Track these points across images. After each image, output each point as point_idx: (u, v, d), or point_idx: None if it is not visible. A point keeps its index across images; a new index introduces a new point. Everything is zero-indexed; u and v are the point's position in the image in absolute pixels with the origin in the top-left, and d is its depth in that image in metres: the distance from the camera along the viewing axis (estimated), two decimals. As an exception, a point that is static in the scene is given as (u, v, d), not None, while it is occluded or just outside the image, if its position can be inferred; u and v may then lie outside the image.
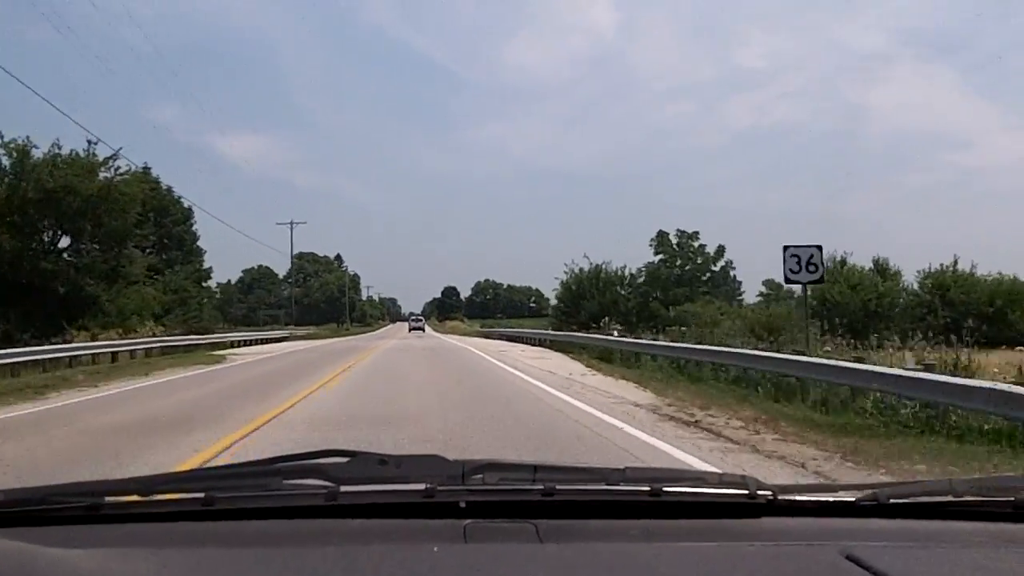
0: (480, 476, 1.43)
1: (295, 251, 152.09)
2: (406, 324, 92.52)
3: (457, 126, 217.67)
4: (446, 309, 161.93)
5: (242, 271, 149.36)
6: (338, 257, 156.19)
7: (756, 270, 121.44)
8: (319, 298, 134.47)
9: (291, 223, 60.43)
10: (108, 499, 1.40)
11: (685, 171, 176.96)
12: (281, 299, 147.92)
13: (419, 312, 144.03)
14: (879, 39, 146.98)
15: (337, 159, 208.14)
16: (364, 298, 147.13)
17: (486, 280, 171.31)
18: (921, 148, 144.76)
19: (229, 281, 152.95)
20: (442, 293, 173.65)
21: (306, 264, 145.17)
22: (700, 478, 1.59)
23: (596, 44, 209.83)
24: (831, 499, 1.50)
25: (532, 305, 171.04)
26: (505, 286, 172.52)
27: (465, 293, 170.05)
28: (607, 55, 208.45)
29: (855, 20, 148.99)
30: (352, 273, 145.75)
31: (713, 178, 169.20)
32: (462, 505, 1.37)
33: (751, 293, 53.01)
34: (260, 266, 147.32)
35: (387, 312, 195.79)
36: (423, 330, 73.17)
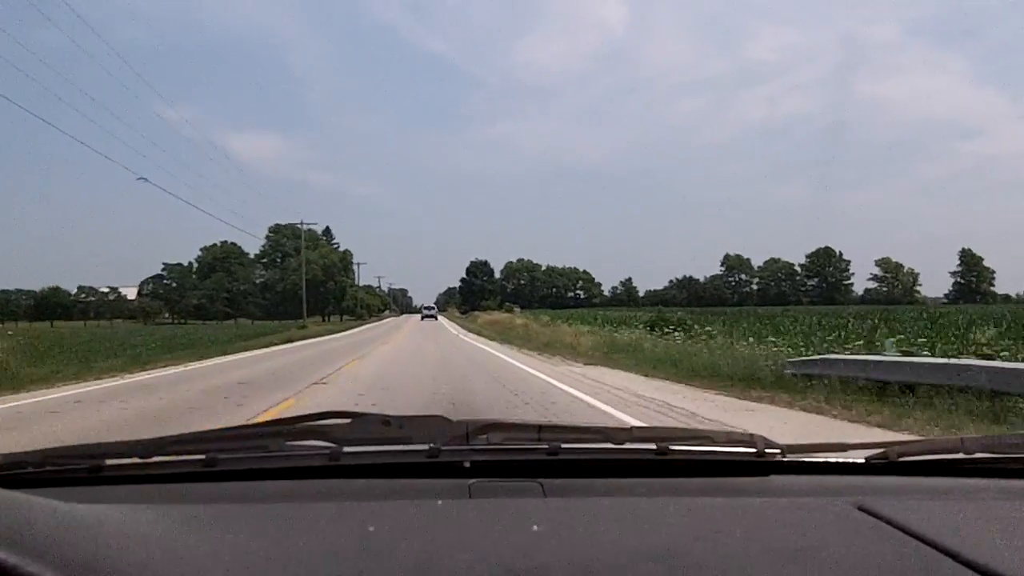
0: (484, 436, 1.41)
1: (272, 224, 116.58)
2: (415, 316, 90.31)
3: (470, 123, 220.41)
4: (474, 294, 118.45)
5: (201, 249, 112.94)
6: (327, 232, 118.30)
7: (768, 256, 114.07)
8: (298, 282, 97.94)
9: None
10: (108, 461, 1.38)
11: (698, 165, 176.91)
12: (251, 286, 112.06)
13: (432, 303, 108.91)
14: (889, 29, 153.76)
15: (349, 158, 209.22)
16: (358, 283, 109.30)
17: (519, 260, 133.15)
18: (933, 137, 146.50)
19: (191, 264, 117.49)
20: (467, 272, 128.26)
21: (284, 240, 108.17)
22: (707, 436, 1.53)
23: (608, 40, 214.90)
24: (841, 458, 1.47)
25: (578, 293, 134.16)
26: (543, 268, 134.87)
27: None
28: (619, 51, 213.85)
29: (865, 10, 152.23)
30: (342, 250, 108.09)
31: (726, 172, 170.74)
32: (466, 465, 1.35)
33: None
34: (224, 243, 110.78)
35: (395, 303, 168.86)
36: (435, 318, 73.82)
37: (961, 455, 1.42)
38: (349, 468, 1.35)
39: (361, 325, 64.58)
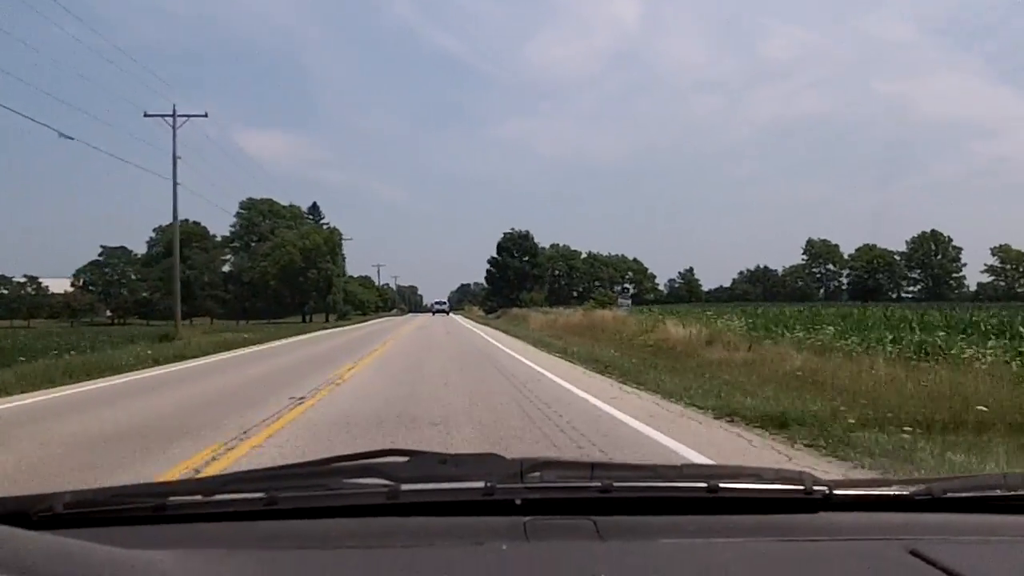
0: (538, 474, 1.46)
1: (244, 199, 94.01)
2: (423, 315, 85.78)
3: (484, 122, 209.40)
4: (508, 283, 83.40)
5: (154, 230, 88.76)
6: (314, 208, 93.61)
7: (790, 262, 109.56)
8: (269, 270, 74.16)
9: None
10: (172, 499, 1.43)
11: (712, 166, 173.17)
12: (212, 275, 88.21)
13: (443, 299, 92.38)
14: (905, 28, 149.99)
15: (361, 156, 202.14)
16: (346, 273, 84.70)
17: (553, 246, 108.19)
18: (949, 138, 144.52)
19: (147, 249, 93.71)
20: (499, 250, 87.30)
21: (258, 219, 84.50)
22: (756, 474, 1.58)
23: (620, 39, 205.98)
24: (886, 493, 1.53)
25: (627, 287, 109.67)
26: (584, 255, 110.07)
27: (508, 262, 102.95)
28: (632, 50, 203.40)
29: (880, 9, 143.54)
30: (329, 227, 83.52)
31: (740, 172, 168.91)
32: (517, 502, 1.39)
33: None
34: (187, 222, 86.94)
35: (404, 301, 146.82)
36: (447, 313, 76.33)
37: (1002, 492, 1.46)
38: (407, 506, 1.38)
39: (329, 329, 40.67)
